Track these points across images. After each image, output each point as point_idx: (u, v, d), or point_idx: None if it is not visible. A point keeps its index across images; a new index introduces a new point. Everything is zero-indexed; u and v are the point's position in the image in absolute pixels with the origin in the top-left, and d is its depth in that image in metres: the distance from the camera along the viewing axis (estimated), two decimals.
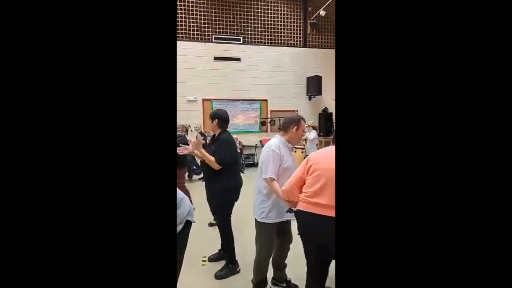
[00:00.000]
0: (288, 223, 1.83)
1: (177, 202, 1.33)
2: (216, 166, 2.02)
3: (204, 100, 6.95)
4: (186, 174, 4.74)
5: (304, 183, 1.48)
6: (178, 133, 3.57)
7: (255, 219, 1.80)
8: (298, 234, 1.60)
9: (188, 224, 1.39)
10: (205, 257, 2.47)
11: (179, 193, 1.39)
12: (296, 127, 1.74)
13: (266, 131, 7.41)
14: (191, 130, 4.59)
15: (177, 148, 2.34)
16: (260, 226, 1.77)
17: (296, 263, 1.96)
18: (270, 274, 1.96)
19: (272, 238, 1.81)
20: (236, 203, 2.19)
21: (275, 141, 1.75)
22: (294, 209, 1.57)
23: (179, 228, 1.33)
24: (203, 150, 2.08)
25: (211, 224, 3.20)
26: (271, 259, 1.89)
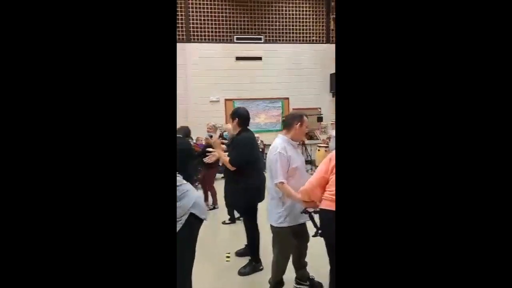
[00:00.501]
0: (304, 224, 1.81)
1: (181, 194, 1.34)
2: (230, 167, 2.05)
3: (226, 100, 7.06)
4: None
5: (327, 182, 1.45)
6: (210, 133, 3.68)
7: (271, 225, 1.78)
8: (313, 236, 1.55)
9: (193, 217, 1.36)
10: (228, 253, 2.52)
11: (186, 186, 1.41)
12: (299, 123, 1.72)
13: None
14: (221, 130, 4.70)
15: (205, 158, 2.42)
16: (277, 231, 1.75)
17: (317, 261, 1.93)
18: (292, 274, 1.96)
19: (290, 241, 1.79)
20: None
21: (280, 141, 1.71)
22: (311, 210, 1.54)
23: (182, 219, 1.33)
24: (220, 151, 2.12)
25: (224, 223, 3.28)
26: (291, 261, 1.88)
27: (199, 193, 1.51)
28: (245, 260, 2.29)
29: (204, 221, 1.45)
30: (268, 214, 1.80)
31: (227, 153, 2.21)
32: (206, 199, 3.75)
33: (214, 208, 3.76)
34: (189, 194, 1.38)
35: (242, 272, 2.18)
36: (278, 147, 1.68)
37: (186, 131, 2.94)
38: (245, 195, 2.10)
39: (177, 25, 6.79)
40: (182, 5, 6.77)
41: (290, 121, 1.75)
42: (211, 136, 3.57)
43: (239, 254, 2.47)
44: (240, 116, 2.11)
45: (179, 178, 1.41)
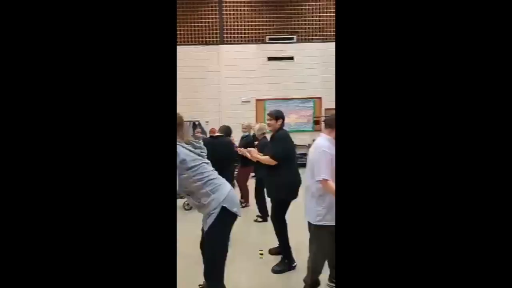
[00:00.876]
0: None
1: (214, 187, 1.41)
2: (273, 162, 2.12)
3: (257, 100, 7.13)
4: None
5: None
6: (246, 133, 3.77)
7: (309, 223, 1.78)
8: None
9: (225, 211, 1.39)
10: (261, 250, 2.56)
11: (219, 180, 1.46)
12: None
13: (320, 130, 7.21)
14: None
15: (240, 149, 2.56)
16: (315, 229, 1.75)
17: None
18: (327, 272, 1.93)
19: (328, 240, 1.77)
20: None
21: (323, 141, 1.71)
22: None
23: (215, 212, 1.37)
24: (258, 156, 2.22)
25: (256, 221, 3.33)
26: (327, 259, 1.85)
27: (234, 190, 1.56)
28: (278, 258, 2.31)
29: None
30: (307, 212, 1.80)
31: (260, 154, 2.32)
32: (242, 196, 3.84)
33: (245, 206, 3.83)
34: (221, 188, 1.42)
35: (276, 270, 2.20)
36: (321, 146, 1.69)
37: (228, 131, 3.04)
38: (281, 190, 2.14)
39: (212, 27, 7.03)
40: (217, 8, 6.99)
41: (334, 121, 1.75)
42: (246, 136, 3.65)
43: (273, 252, 2.50)
44: (283, 118, 2.29)
45: (214, 172, 1.47)
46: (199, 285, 1.94)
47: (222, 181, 1.48)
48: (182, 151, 1.38)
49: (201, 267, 1.47)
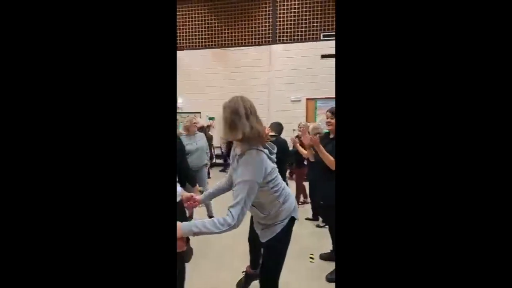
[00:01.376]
0: None
1: (285, 197, 1.31)
2: (333, 165, 1.88)
3: (308, 99, 6.90)
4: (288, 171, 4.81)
5: None
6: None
7: None
8: None
9: (291, 220, 1.35)
10: (312, 254, 2.41)
11: (288, 189, 1.37)
12: None
13: None
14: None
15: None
16: None
17: None
18: None
19: None
20: None
21: None
22: None
23: (284, 222, 1.31)
24: (321, 148, 1.92)
25: (318, 226, 3.13)
26: None
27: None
28: (328, 263, 2.16)
29: None
30: None
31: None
32: (302, 196, 3.79)
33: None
34: (290, 197, 1.36)
35: (330, 279, 2.03)
36: None
37: (278, 128, 2.88)
38: None
39: (265, 28, 7.05)
40: (270, 7, 7.00)
41: None
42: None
43: (323, 258, 2.34)
44: None
45: (281, 182, 1.33)
46: (243, 272, 1.93)
47: (289, 190, 1.39)
48: (269, 164, 1.19)
49: (242, 257, 1.38)
